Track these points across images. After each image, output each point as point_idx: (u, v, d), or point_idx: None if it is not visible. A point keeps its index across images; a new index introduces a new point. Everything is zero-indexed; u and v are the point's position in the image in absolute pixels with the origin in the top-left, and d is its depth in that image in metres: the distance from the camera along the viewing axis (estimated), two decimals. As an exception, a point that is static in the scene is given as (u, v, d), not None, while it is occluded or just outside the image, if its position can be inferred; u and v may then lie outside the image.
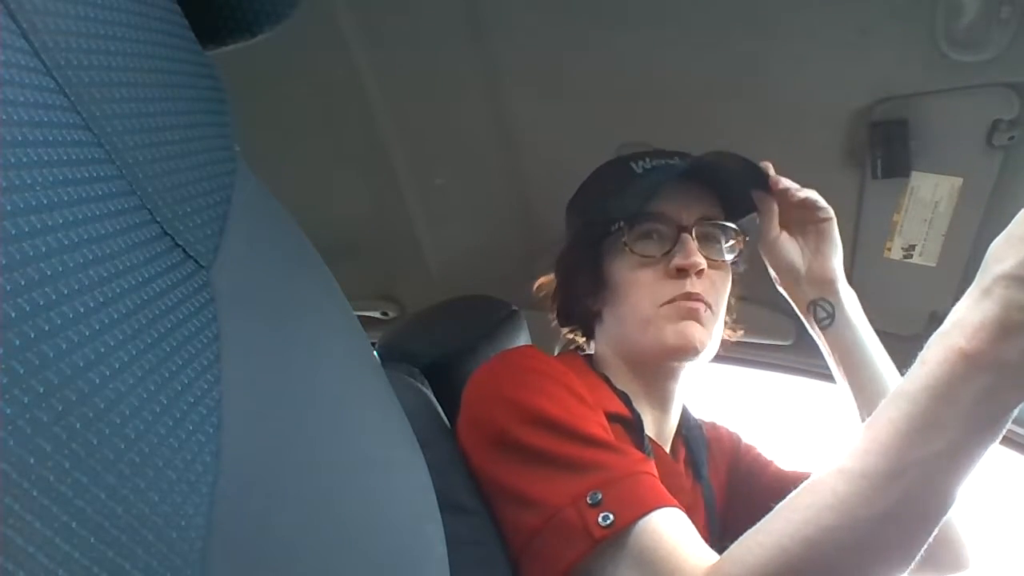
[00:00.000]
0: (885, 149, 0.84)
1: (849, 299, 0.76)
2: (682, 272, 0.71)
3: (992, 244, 0.43)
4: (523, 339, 1.03)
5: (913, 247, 0.91)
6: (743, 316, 0.87)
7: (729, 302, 0.82)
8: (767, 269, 0.79)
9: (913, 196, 0.87)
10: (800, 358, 1.15)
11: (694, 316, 0.71)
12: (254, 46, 0.39)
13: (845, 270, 0.78)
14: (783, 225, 0.78)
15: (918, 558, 0.46)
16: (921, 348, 0.45)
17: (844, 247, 0.87)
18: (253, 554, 0.26)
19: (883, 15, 0.74)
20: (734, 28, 0.80)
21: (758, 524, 0.51)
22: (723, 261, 0.76)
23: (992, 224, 0.84)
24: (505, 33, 0.88)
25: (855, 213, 0.92)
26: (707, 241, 0.75)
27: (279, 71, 0.89)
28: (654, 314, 0.72)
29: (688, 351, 0.72)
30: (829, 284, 0.77)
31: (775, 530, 0.49)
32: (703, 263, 0.71)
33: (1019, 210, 0.51)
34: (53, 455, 0.17)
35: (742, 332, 0.86)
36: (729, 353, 1.18)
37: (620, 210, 0.74)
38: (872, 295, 0.92)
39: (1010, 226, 0.43)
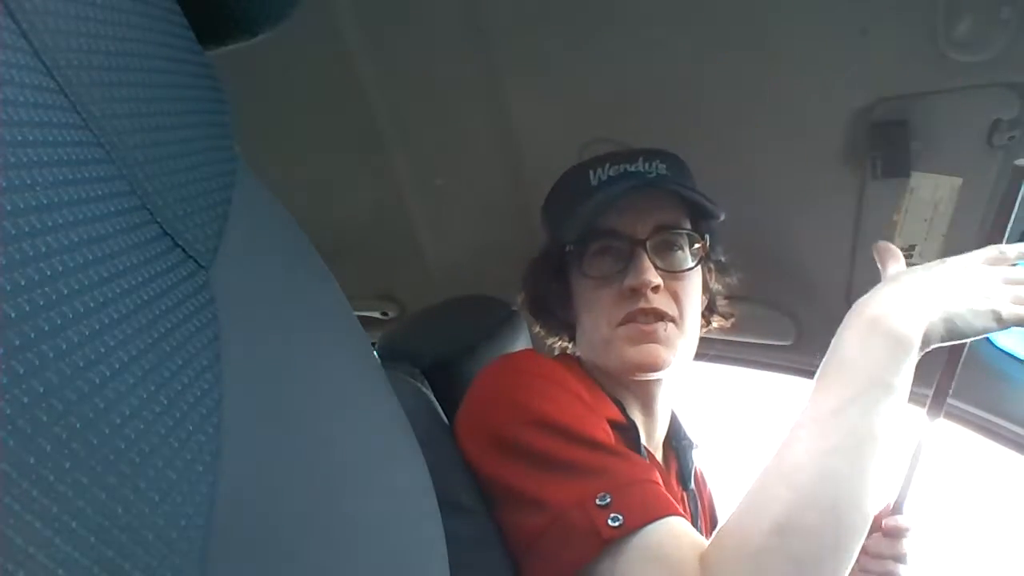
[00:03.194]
0: (885, 149, 0.84)
1: None
2: (636, 291, 0.70)
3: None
4: (523, 339, 1.03)
5: (913, 247, 0.91)
6: (743, 316, 0.87)
7: (714, 295, 0.81)
8: (766, 269, 0.79)
9: (913, 196, 0.87)
10: (800, 358, 1.15)
11: (651, 338, 0.70)
12: (254, 46, 0.39)
13: (845, 270, 0.78)
14: None
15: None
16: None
17: (844, 247, 0.87)
18: (253, 554, 0.26)
19: (883, 15, 0.74)
20: (734, 29, 0.80)
21: (738, 504, 0.54)
22: (684, 271, 0.74)
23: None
24: (505, 33, 0.88)
25: (855, 213, 0.92)
26: (666, 251, 0.73)
27: (279, 71, 0.89)
28: (611, 335, 0.72)
29: (649, 369, 0.72)
30: None
31: (755, 500, 0.52)
32: (655, 280, 0.70)
33: (1018, 211, 0.54)
34: (53, 455, 0.17)
35: (733, 320, 0.86)
36: (729, 353, 1.19)
37: (570, 232, 0.74)
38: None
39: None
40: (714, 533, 0.54)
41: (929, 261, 0.90)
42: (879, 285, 0.60)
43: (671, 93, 0.90)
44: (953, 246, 0.88)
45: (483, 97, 0.97)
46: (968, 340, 0.58)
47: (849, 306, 0.59)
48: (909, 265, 0.64)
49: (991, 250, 0.61)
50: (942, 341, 0.57)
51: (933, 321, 0.56)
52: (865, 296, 0.59)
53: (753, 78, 0.85)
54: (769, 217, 0.98)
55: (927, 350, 0.56)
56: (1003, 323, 0.57)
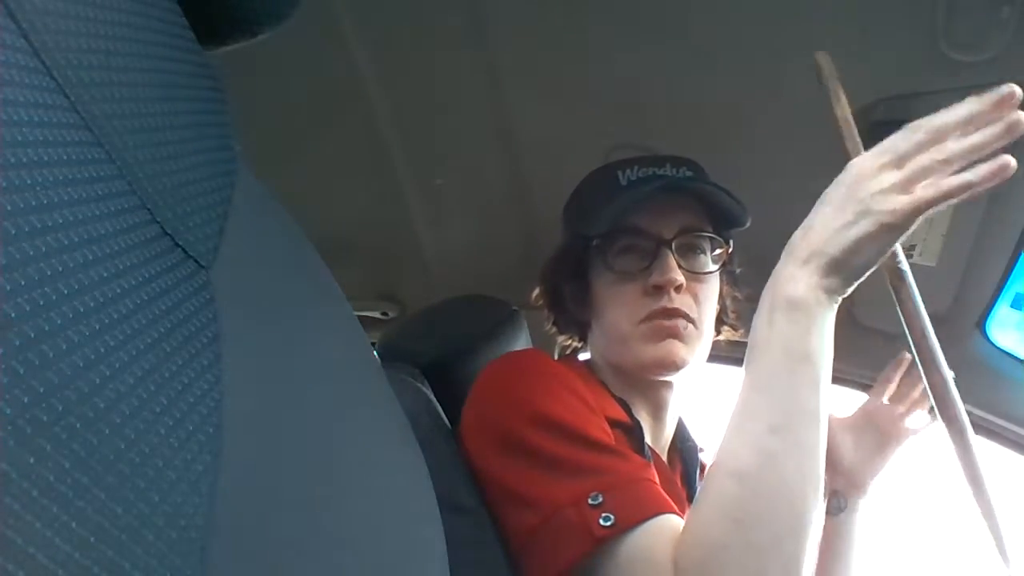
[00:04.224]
0: (885, 149, 0.83)
1: (865, 502, 0.81)
2: (660, 289, 0.71)
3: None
4: (523, 339, 1.03)
5: (913, 247, 0.90)
6: (743, 316, 0.87)
7: (726, 304, 0.82)
8: (766, 269, 0.79)
9: (913, 196, 0.87)
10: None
11: (673, 334, 0.71)
12: (254, 46, 0.39)
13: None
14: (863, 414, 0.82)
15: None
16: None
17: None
18: (253, 554, 0.26)
19: (883, 15, 0.74)
20: (734, 29, 0.80)
21: (696, 500, 0.55)
22: (706, 273, 0.75)
23: (992, 224, 0.84)
24: (505, 33, 0.88)
25: (855, 213, 0.92)
26: (690, 253, 0.74)
27: (279, 71, 0.89)
28: (631, 332, 0.72)
29: (667, 368, 0.72)
30: (859, 488, 0.82)
31: (711, 487, 0.54)
32: (680, 279, 0.71)
33: (1019, 210, 0.53)
34: (53, 455, 0.17)
35: (742, 332, 0.86)
36: (730, 354, 1.18)
37: (598, 226, 0.74)
38: (872, 295, 0.91)
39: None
40: (679, 533, 0.55)
41: (929, 261, 0.90)
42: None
43: (670, 93, 0.90)
44: (953, 246, 0.88)
45: (483, 97, 0.97)
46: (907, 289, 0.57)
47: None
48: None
49: (884, 154, 0.55)
50: (848, 285, 0.54)
51: (820, 274, 0.54)
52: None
53: (753, 78, 0.85)
54: (769, 217, 0.97)
55: (839, 300, 0.55)
56: (894, 229, 0.51)
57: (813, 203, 0.59)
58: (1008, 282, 0.90)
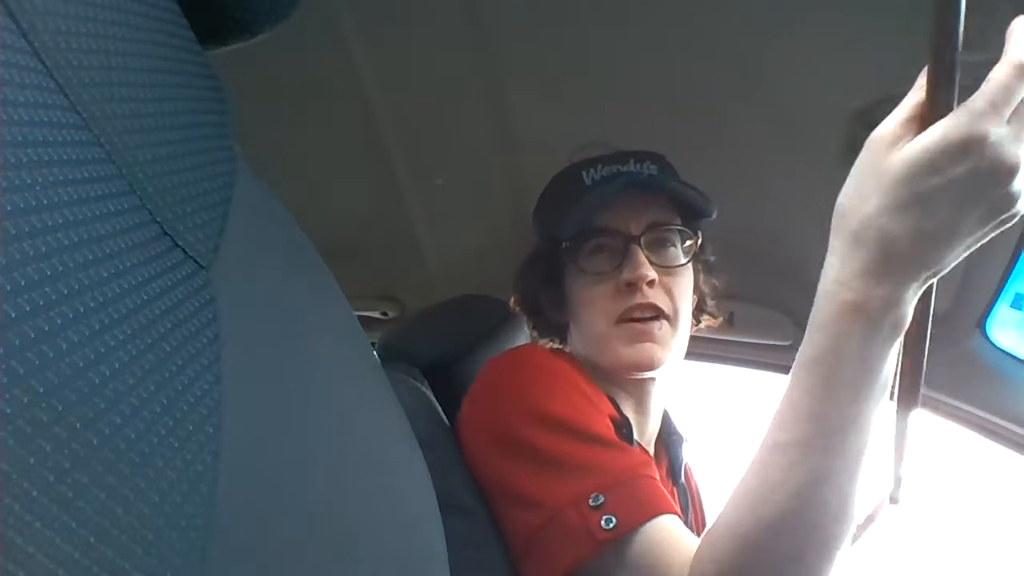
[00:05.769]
0: (885, 149, 0.83)
1: None
2: (632, 285, 0.71)
3: (838, 204, 0.48)
4: (522, 339, 1.03)
5: (913, 247, 0.90)
6: (743, 316, 0.87)
7: (703, 294, 0.82)
8: (766, 269, 0.79)
9: (913, 196, 0.87)
10: (800, 358, 1.15)
11: (647, 337, 0.71)
12: (254, 46, 0.39)
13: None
14: None
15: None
16: None
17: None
18: (253, 554, 0.26)
19: (883, 15, 0.74)
20: (735, 29, 0.80)
21: (718, 515, 0.52)
22: (678, 266, 0.75)
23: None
24: (505, 32, 0.88)
25: (855, 213, 0.91)
26: (660, 247, 0.75)
27: (279, 71, 0.89)
28: (608, 333, 0.73)
29: (645, 368, 0.72)
30: None
31: (735, 519, 0.51)
32: (651, 274, 0.71)
33: None
34: (53, 455, 0.17)
35: (722, 319, 0.86)
36: (729, 353, 1.19)
37: (567, 229, 0.75)
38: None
39: (851, 183, 0.49)
40: (701, 537, 0.54)
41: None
42: (847, 243, 0.46)
43: (671, 93, 0.90)
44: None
45: (483, 97, 0.97)
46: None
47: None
48: None
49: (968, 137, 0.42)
50: None
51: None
52: (837, 264, 0.46)
53: (753, 78, 0.85)
54: (769, 217, 0.97)
55: None
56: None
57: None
58: (1008, 282, 0.90)
